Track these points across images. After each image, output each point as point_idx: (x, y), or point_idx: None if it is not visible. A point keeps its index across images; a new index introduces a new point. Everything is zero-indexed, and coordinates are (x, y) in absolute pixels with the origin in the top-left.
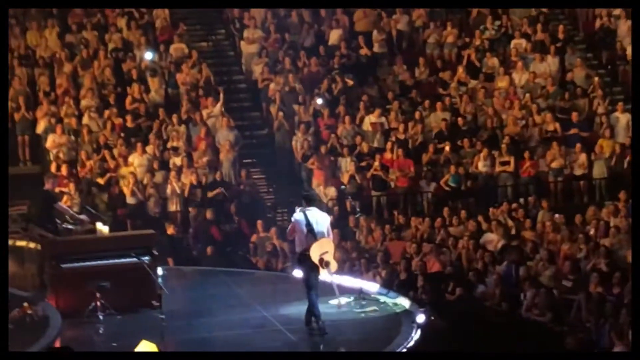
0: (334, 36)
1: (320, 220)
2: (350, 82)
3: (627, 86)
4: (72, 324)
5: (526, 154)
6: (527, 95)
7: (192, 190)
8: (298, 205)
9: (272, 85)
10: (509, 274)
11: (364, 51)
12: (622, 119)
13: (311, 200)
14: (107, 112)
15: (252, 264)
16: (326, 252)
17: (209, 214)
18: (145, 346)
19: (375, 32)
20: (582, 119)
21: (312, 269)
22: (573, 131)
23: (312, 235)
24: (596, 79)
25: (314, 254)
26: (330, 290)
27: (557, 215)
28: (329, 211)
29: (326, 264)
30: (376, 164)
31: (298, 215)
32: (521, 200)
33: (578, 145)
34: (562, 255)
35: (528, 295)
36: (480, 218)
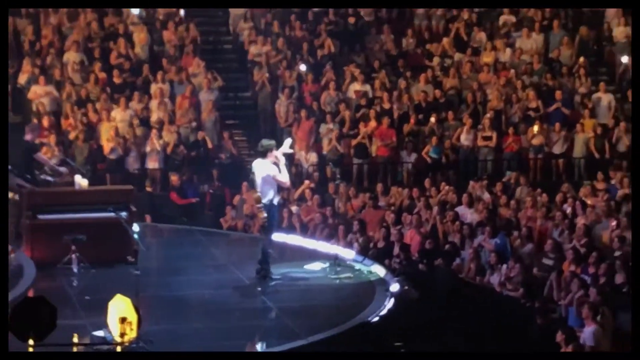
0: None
1: (258, 169)
2: (336, 48)
3: (611, 66)
4: (46, 275)
5: (510, 130)
6: (512, 71)
7: (174, 149)
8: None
9: (256, 48)
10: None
11: (352, 19)
12: (604, 99)
13: (260, 149)
14: (91, 66)
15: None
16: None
17: (184, 175)
18: (120, 300)
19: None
20: (565, 97)
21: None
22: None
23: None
24: (581, 58)
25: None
26: (304, 255)
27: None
28: (309, 176)
29: (253, 215)
30: (360, 132)
31: (254, 165)
32: (508, 173)
33: (557, 124)
34: (538, 232)
35: (503, 269)
36: (457, 191)
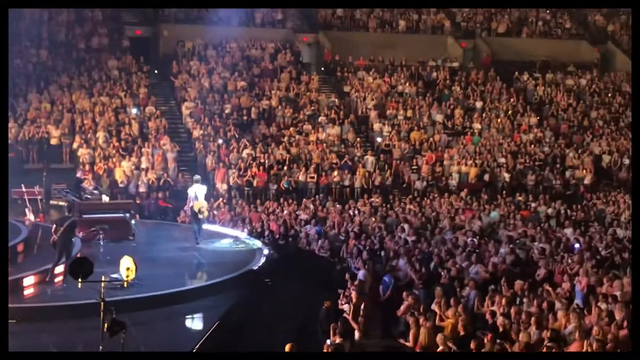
0: (230, 108)
1: (199, 191)
2: (236, 132)
3: (372, 144)
4: (87, 246)
5: (323, 174)
6: (324, 144)
7: (153, 182)
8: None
9: (197, 132)
10: (312, 231)
11: (245, 117)
12: (369, 159)
13: (195, 181)
14: (110, 139)
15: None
16: (202, 206)
17: (160, 194)
18: (126, 258)
19: (253, 108)
20: (350, 158)
21: (196, 215)
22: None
23: (195, 198)
24: (358, 139)
25: (195, 207)
26: (220, 235)
27: (337, 204)
28: (222, 195)
29: (201, 212)
30: (249, 174)
31: (190, 190)
32: (320, 196)
33: (346, 171)
34: (337, 223)
35: (319, 242)
36: (297, 204)
